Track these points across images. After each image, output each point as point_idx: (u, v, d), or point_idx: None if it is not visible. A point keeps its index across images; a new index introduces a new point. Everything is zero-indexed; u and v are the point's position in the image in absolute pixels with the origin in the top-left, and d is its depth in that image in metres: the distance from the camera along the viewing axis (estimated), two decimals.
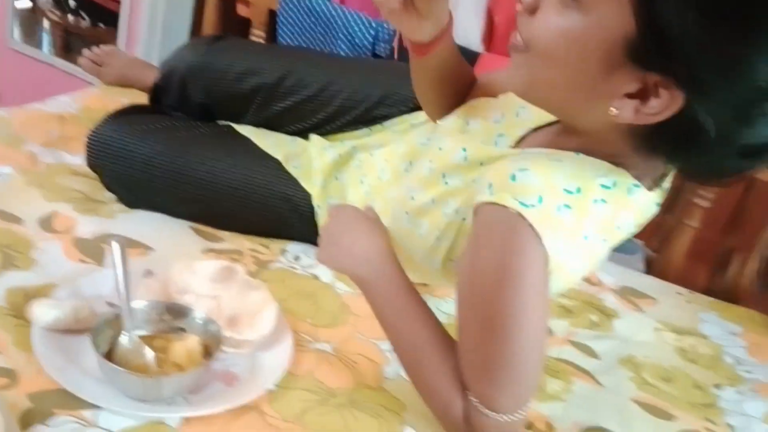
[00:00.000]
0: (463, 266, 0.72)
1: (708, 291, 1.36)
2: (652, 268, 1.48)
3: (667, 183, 0.77)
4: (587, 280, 1.21)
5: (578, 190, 0.67)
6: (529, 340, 0.67)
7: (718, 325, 1.22)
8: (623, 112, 0.63)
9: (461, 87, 0.98)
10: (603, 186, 0.68)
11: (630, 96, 0.63)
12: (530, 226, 0.64)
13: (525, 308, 0.66)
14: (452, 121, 0.92)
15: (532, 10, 0.66)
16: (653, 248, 1.57)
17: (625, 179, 0.70)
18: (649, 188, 0.73)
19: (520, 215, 0.65)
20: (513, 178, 0.67)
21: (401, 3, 0.77)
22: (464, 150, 0.83)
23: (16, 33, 2.06)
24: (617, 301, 1.21)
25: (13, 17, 2.05)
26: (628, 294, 1.25)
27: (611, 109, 0.63)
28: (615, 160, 0.70)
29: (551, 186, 0.66)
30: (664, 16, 0.57)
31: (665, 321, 1.19)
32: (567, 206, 0.66)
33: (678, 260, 1.44)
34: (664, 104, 0.60)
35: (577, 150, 0.72)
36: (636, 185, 0.71)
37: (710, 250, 1.53)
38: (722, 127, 0.60)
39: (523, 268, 0.65)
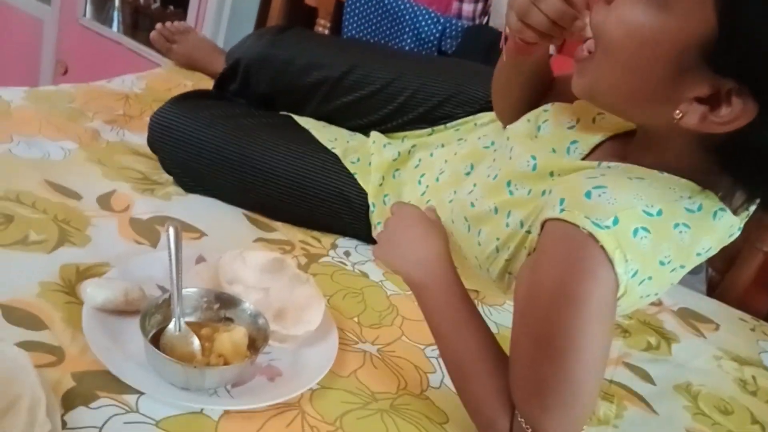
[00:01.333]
0: (524, 281, 0.69)
1: None
2: (714, 290, 1.42)
3: (753, 205, 0.72)
4: None
5: (659, 213, 0.63)
6: (586, 366, 0.63)
7: None
8: (689, 116, 0.59)
9: (543, 89, 0.94)
10: (687, 210, 0.64)
11: (699, 101, 0.59)
12: (602, 248, 0.60)
13: (586, 333, 0.62)
14: (522, 125, 0.88)
15: (609, 0, 0.63)
16: (717, 269, 1.50)
17: (712, 203, 0.65)
18: (735, 211, 0.68)
19: (591, 236, 0.61)
20: (588, 195, 0.64)
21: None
22: (533, 158, 0.79)
23: (89, 10, 2.11)
24: (677, 324, 1.16)
25: None
26: (688, 317, 1.19)
27: (676, 111, 0.60)
28: (700, 178, 0.66)
29: (630, 206, 0.62)
30: (750, 18, 0.53)
31: (726, 349, 1.13)
32: (645, 229, 0.62)
33: (743, 284, 1.37)
34: (736, 114, 0.56)
35: (659, 166, 0.67)
36: (722, 209, 0.66)
37: None
38: None
39: (589, 292, 0.61)
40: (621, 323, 1.09)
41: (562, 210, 0.64)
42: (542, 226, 0.67)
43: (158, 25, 1.51)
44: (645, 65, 0.60)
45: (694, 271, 1.41)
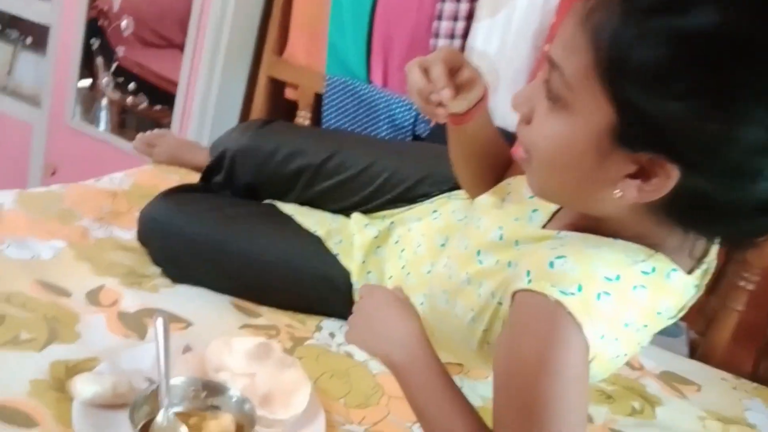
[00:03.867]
0: (500, 354, 0.71)
1: (754, 377, 1.31)
2: (696, 351, 1.44)
3: (708, 263, 0.77)
4: (628, 364, 1.18)
5: (618, 278, 0.67)
6: (570, 430, 0.66)
7: (766, 414, 1.17)
8: (627, 193, 0.64)
9: (498, 164, 1.00)
10: (643, 272, 0.69)
11: (632, 177, 0.64)
12: (570, 314, 0.64)
13: (564, 398, 0.64)
14: (488, 198, 0.94)
15: (528, 120, 0.70)
16: (698, 331, 1.53)
17: (664, 264, 0.70)
18: (689, 270, 0.73)
19: (559, 303, 0.65)
20: (551, 265, 0.68)
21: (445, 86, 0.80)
22: (500, 228, 0.84)
23: (77, 111, 2.19)
24: (660, 387, 1.17)
25: (76, 98, 2.18)
26: (671, 379, 1.21)
27: (615, 191, 0.65)
28: (649, 241, 0.71)
29: (590, 274, 0.66)
30: (636, 97, 0.59)
31: (710, 409, 1.14)
32: (607, 293, 0.66)
33: (723, 344, 1.40)
34: (663, 179, 0.61)
35: (612, 234, 0.72)
36: (674, 269, 0.71)
37: (756, 333, 1.48)
38: (727, 191, 0.61)
39: (563, 357, 0.64)
40: (604, 389, 1.11)
41: (530, 281, 0.68)
42: (512, 297, 0.71)
43: (138, 135, 1.62)
44: (573, 162, 0.67)
45: (675, 334, 1.44)
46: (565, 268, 0.67)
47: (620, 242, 0.71)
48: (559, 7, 1.42)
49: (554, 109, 0.66)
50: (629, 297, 0.68)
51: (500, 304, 0.79)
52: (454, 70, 0.81)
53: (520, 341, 0.68)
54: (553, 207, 0.85)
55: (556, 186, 0.72)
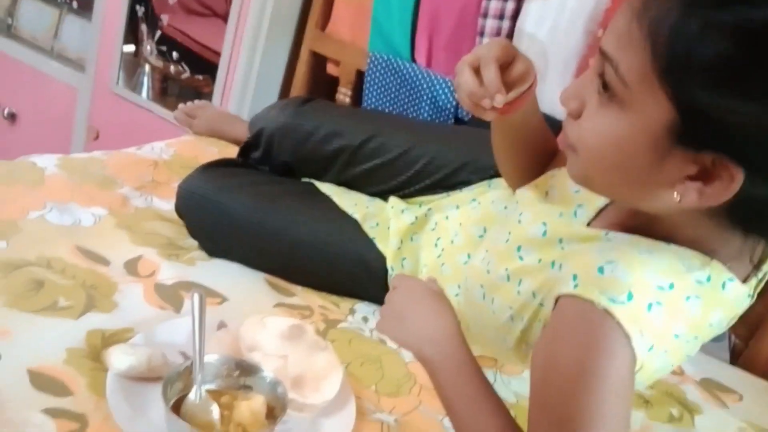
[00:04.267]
0: (539, 359, 0.68)
1: None
2: (737, 357, 1.39)
3: (765, 272, 0.73)
4: None
5: (671, 286, 0.64)
6: None
7: None
8: (686, 196, 0.61)
9: (542, 154, 0.96)
10: (697, 281, 0.65)
11: (692, 178, 0.60)
12: (618, 324, 0.61)
13: (606, 411, 0.61)
14: (531, 190, 0.90)
15: (577, 115, 0.66)
16: (740, 336, 1.48)
17: (720, 273, 0.67)
18: (744, 278, 0.69)
19: (607, 312, 0.62)
20: (601, 270, 0.65)
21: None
22: (544, 224, 0.81)
23: (121, 78, 2.21)
24: (700, 395, 1.14)
25: (120, 65, 2.19)
26: (712, 387, 1.17)
27: (674, 194, 0.61)
28: (705, 247, 0.67)
29: (642, 282, 0.63)
30: (702, 100, 0.55)
31: (751, 420, 1.10)
32: (659, 303, 0.63)
33: (767, 351, 1.35)
34: (727, 182, 0.58)
35: (665, 237, 0.68)
36: (730, 279, 0.67)
37: None
38: None
39: (608, 369, 0.61)
40: (642, 394, 1.08)
41: (576, 285, 0.65)
42: (556, 301, 0.68)
43: (180, 106, 1.62)
44: (627, 161, 0.63)
45: (717, 339, 1.39)
46: (615, 274, 0.64)
47: (674, 247, 0.67)
48: None
49: (607, 104, 0.62)
50: (682, 308, 0.64)
51: (541, 305, 0.76)
52: (505, 65, 0.77)
53: (562, 348, 0.65)
54: (600, 203, 0.81)
55: (606, 184, 0.68)
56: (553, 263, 0.76)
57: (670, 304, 0.63)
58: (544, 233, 0.80)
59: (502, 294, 0.82)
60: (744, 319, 1.31)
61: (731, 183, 0.58)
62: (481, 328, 0.88)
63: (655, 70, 0.57)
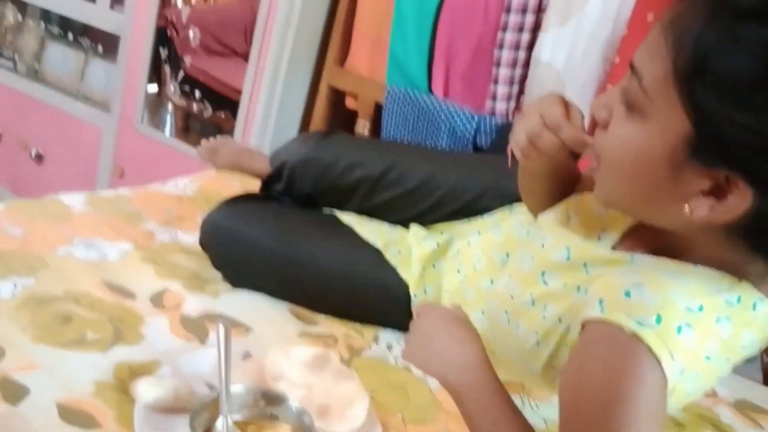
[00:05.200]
0: (568, 385, 0.67)
1: None
2: None
3: None
4: None
5: (701, 308, 0.63)
6: None
7: None
8: (697, 210, 0.61)
9: (566, 183, 0.96)
10: (727, 303, 0.64)
11: (705, 194, 0.61)
12: (648, 348, 0.60)
13: None
14: (553, 214, 0.90)
15: (605, 125, 0.68)
16: None
17: (750, 293, 0.66)
18: None
19: (636, 336, 0.61)
20: (627, 294, 0.64)
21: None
22: (567, 248, 0.80)
23: (145, 116, 2.26)
24: (734, 416, 1.11)
25: (144, 104, 2.25)
26: (746, 408, 1.15)
27: (685, 208, 0.62)
28: (732, 268, 0.66)
29: (671, 304, 0.62)
30: (714, 111, 0.56)
31: None
32: (688, 325, 0.62)
33: None
34: (738, 200, 0.58)
35: (691, 259, 0.68)
36: (761, 299, 0.66)
37: None
38: None
39: (639, 395, 0.60)
40: (675, 417, 1.06)
41: (603, 310, 0.65)
42: (582, 326, 0.68)
43: (202, 142, 1.65)
44: (644, 171, 0.64)
45: (749, 360, 1.36)
46: (642, 297, 0.63)
47: (701, 269, 0.67)
48: (631, 19, 1.38)
49: (630, 116, 0.64)
50: (712, 330, 0.63)
51: (568, 330, 0.75)
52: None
53: (591, 373, 0.64)
54: (624, 227, 0.81)
55: (624, 195, 0.69)
56: (578, 287, 0.75)
57: (701, 325, 0.62)
58: (568, 257, 0.80)
59: (528, 319, 0.81)
60: None
61: (742, 201, 0.58)
62: (506, 354, 0.88)
63: (675, 82, 0.59)
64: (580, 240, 0.82)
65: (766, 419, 1.13)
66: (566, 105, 0.76)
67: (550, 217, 0.90)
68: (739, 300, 0.65)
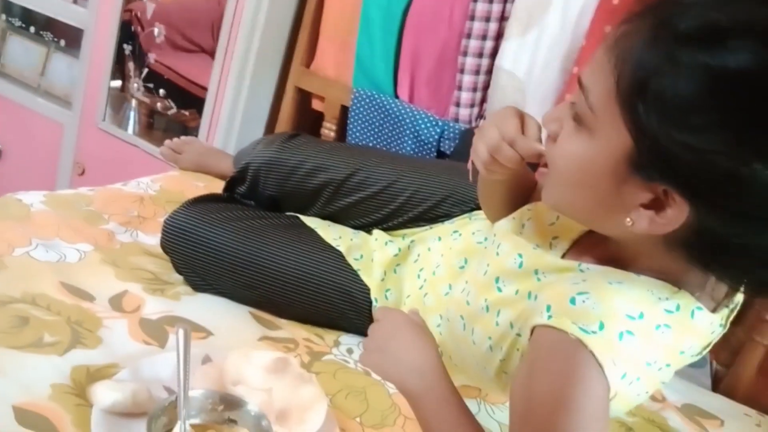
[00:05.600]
0: (517, 389, 0.70)
1: None
2: (719, 383, 1.41)
3: (735, 302, 0.75)
4: (651, 395, 1.16)
5: (641, 316, 0.66)
6: None
7: None
8: (638, 222, 0.64)
9: (523, 191, 0.99)
10: (666, 311, 0.67)
11: (646, 206, 0.64)
12: (591, 353, 0.63)
13: None
14: (508, 223, 0.93)
15: (555, 138, 0.71)
16: (721, 362, 1.50)
17: (688, 302, 0.69)
18: (714, 308, 0.72)
19: (580, 342, 0.64)
20: (572, 301, 0.67)
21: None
22: (520, 256, 0.83)
23: (108, 113, 2.23)
24: (681, 421, 1.15)
25: (107, 101, 2.22)
26: (693, 413, 1.19)
27: (627, 219, 0.65)
28: (673, 277, 0.70)
29: (613, 312, 0.65)
30: (652, 128, 0.59)
31: None
32: (630, 333, 0.65)
33: (747, 378, 1.37)
34: (676, 213, 0.61)
35: (635, 269, 0.71)
36: (699, 308, 0.69)
37: None
38: (740, 234, 0.60)
39: (583, 398, 0.63)
40: (624, 421, 1.09)
41: (550, 317, 0.67)
42: (531, 331, 0.70)
43: (166, 141, 1.65)
44: (589, 183, 0.67)
45: (698, 365, 1.41)
46: (586, 305, 0.66)
47: (643, 278, 0.70)
48: (590, 30, 1.41)
49: (578, 130, 0.67)
50: (652, 336, 0.66)
51: (519, 335, 0.78)
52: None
53: (538, 378, 0.67)
54: (574, 235, 0.84)
55: (569, 203, 0.73)
56: (529, 294, 0.78)
57: (641, 332, 0.65)
58: (521, 265, 0.82)
59: (482, 325, 0.84)
60: (725, 345, 1.34)
61: (680, 214, 0.61)
62: (462, 358, 0.90)
63: (617, 99, 0.61)
64: (532, 248, 0.84)
65: (713, 424, 1.18)
66: (522, 117, 0.79)
67: (505, 225, 0.93)
68: (678, 308, 0.68)
